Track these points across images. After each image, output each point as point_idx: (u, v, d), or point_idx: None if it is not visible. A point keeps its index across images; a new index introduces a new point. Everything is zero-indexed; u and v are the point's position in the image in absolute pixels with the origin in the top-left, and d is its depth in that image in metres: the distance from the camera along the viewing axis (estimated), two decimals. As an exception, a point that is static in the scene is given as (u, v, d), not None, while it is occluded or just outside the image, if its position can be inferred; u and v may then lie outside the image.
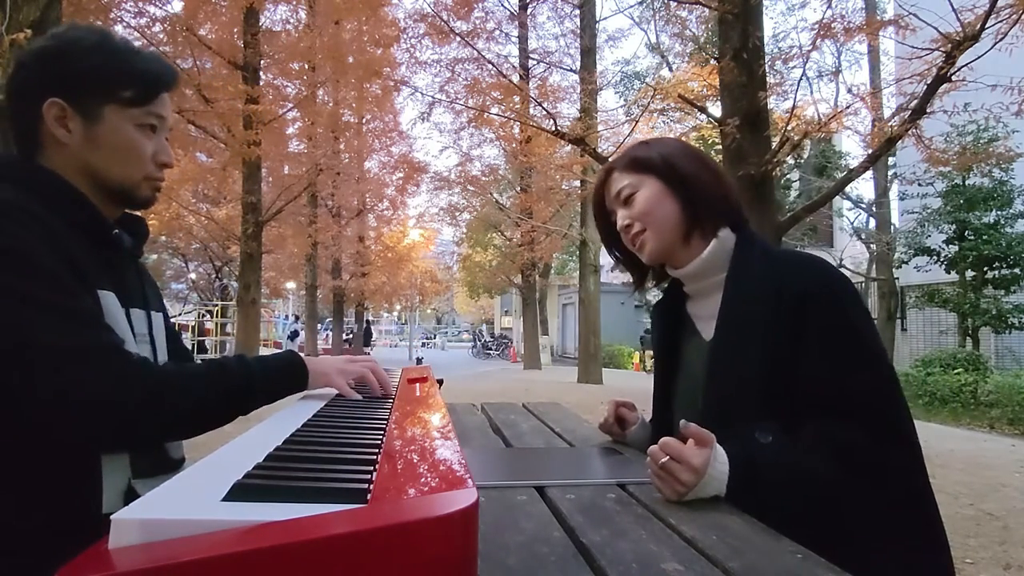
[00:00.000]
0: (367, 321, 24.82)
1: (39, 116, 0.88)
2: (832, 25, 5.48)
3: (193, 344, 12.58)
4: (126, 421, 0.77)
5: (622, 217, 1.13)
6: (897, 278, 13.50)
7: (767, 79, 5.33)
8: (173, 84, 0.96)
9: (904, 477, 0.92)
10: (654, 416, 1.23)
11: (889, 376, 0.95)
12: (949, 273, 10.85)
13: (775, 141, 5.00)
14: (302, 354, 1.00)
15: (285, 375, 0.95)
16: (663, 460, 0.82)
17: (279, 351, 1.09)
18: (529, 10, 14.33)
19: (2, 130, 3.76)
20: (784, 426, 0.92)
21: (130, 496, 0.82)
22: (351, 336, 22.30)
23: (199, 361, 0.99)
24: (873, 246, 14.46)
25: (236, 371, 0.89)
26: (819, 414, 0.91)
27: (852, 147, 17.33)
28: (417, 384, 1.12)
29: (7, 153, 0.93)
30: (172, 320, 1.15)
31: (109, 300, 0.86)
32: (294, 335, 18.99)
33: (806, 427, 0.92)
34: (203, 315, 14.96)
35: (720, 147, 5.40)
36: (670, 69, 15.36)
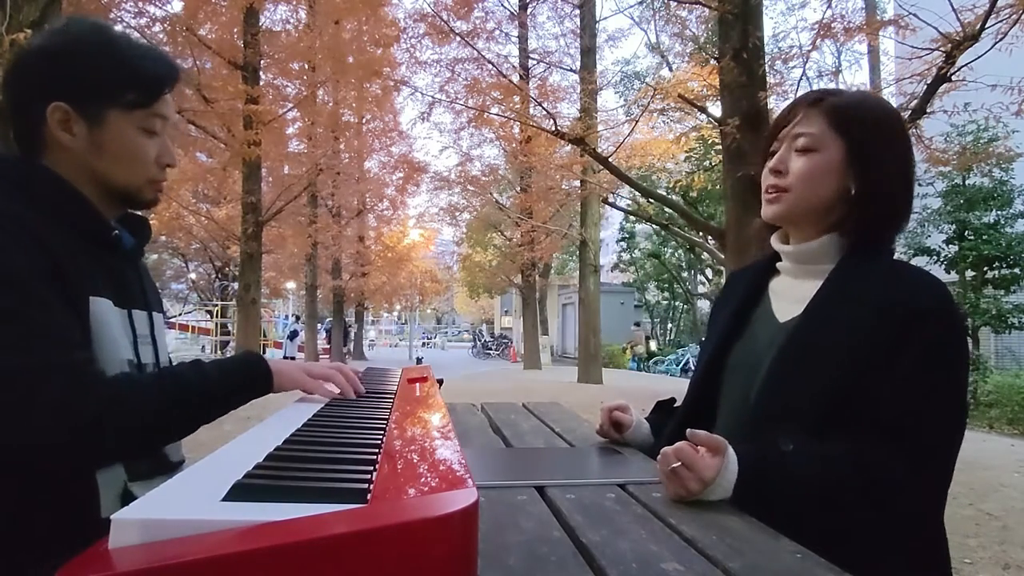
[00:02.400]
0: (347, 323, 21.44)
1: (42, 118, 0.86)
2: (832, 25, 5.49)
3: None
4: (61, 447, 0.73)
5: (779, 159, 1.00)
6: (897, 278, 13.47)
7: (767, 79, 5.33)
8: (175, 82, 0.94)
9: (920, 514, 0.88)
10: (695, 379, 1.13)
11: (959, 422, 0.89)
12: (949, 273, 10.83)
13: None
14: (266, 355, 0.96)
15: (243, 378, 0.89)
16: (674, 465, 0.81)
17: (237, 353, 1.01)
18: (529, 10, 14.36)
19: (2, 130, 3.78)
20: (826, 437, 0.86)
21: (128, 499, 0.81)
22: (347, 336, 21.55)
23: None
24: (873, 246, 14.43)
25: (191, 379, 0.84)
26: (869, 434, 0.85)
27: (852, 147, 17.28)
28: (417, 384, 1.12)
29: (8, 153, 0.92)
30: (172, 320, 1.13)
31: (103, 307, 0.84)
32: (294, 335, 18.94)
33: (843, 441, 0.85)
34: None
35: (720, 147, 5.39)
36: (670, 69, 15.36)
